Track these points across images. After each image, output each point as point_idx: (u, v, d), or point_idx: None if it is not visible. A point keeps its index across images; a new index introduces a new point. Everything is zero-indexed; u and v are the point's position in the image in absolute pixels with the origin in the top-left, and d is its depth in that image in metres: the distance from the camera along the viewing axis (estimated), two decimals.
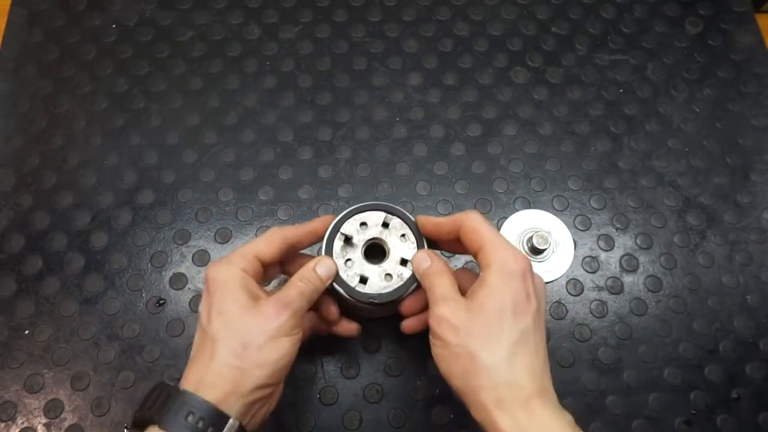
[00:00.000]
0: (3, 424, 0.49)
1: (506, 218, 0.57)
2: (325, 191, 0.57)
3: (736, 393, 0.52)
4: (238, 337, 0.37)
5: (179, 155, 0.58)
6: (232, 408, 0.36)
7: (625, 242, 0.57)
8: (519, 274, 0.38)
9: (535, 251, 0.54)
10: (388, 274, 0.44)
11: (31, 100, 0.60)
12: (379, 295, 0.43)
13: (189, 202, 0.57)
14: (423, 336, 0.53)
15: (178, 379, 0.38)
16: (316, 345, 0.52)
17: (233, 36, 0.64)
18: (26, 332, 0.52)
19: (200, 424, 0.35)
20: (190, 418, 0.35)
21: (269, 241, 0.42)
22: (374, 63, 0.63)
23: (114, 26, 0.64)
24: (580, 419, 0.51)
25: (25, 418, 0.49)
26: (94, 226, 0.55)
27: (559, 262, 0.55)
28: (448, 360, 0.37)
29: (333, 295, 0.45)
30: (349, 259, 0.44)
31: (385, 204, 0.45)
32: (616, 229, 0.57)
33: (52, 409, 0.49)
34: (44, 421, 0.49)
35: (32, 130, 0.59)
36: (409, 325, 0.45)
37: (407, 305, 0.44)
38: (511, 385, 0.35)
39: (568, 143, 0.60)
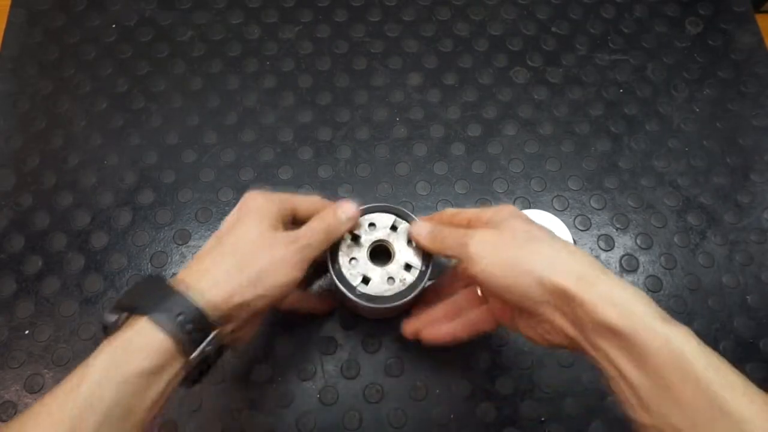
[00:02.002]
0: (3, 424, 0.49)
1: None
2: (325, 191, 0.57)
3: None
4: (246, 254, 0.38)
5: (179, 155, 0.58)
6: (220, 317, 0.36)
7: (625, 242, 0.57)
8: (515, 215, 0.40)
9: None
10: (391, 278, 0.44)
11: (31, 100, 0.60)
12: (380, 297, 0.43)
13: (189, 202, 0.57)
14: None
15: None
16: (316, 345, 0.52)
17: (233, 36, 0.64)
18: (26, 332, 0.52)
19: (188, 327, 0.34)
20: (181, 317, 0.34)
21: (310, 202, 0.43)
22: (374, 63, 0.63)
23: (114, 26, 0.64)
24: (580, 419, 0.51)
25: None
26: (94, 226, 0.55)
27: None
28: (507, 268, 0.37)
29: (334, 292, 0.45)
30: (354, 258, 0.44)
31: (397, 207, 0.45)
32: (616, 229, 0.57)
33: None
34: None
35: (32, 130, 0.59)
36: (410, 328, 0.45)
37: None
38: (581, 262, 0.36)
39: (568, 143, 0.60)
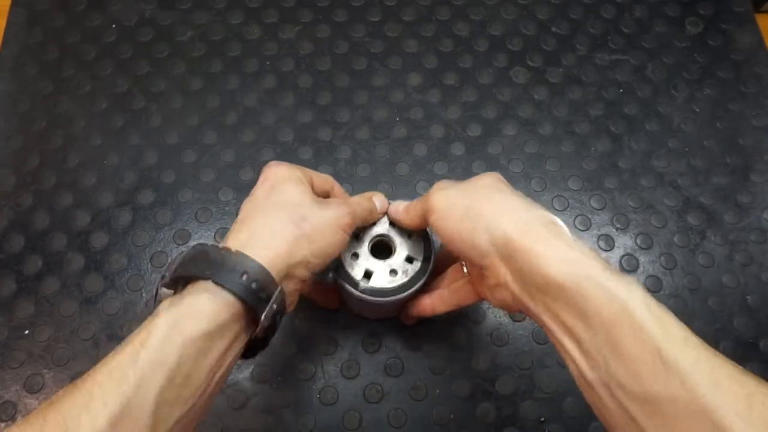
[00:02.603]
0: (3, 424, 0.49)
1: None
2: None
3: None
4: (300, 209, 0.37)
5: (179, 155, 0.58)
6: (280, 273, 0.35)
7: (625, 242, 0.57)
8: (487, 174, 0.40)
9: None
10: (393, 270, 0.44)
11: (31, 100, 0.60)
12: (383, 290, 0.43)
13: (189, 202, 0.57)
14: (423, 336, 0.53)
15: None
16: (316, 345, 0.52)
17: (233, 36, 0.64)
18: (26, 332, 0.52)
19: (254, 285, 0.33)
20: (245, 278, 0.33)
21: (323, 179, 0.43)
22: (374, 63, 0.63)
23: (114, 26, 0.64)
24: (580, 419, 0.51)
25: None
26: (94, 226, 0.55)
27: None
28: (459, 218, 0.37)
29: (338, 289, 0.45)
30: (355, 254, 0.44)
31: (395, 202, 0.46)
32: (616, 229, 0.57)
33: None
34: None
35: (32, 130, 0.59)
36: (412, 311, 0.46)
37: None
38: (530, 212, 0.36)
39: (568, 143, 0.60)
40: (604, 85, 0.63)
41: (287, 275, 0.35)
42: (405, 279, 0.43)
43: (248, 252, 0.34)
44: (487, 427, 0.50)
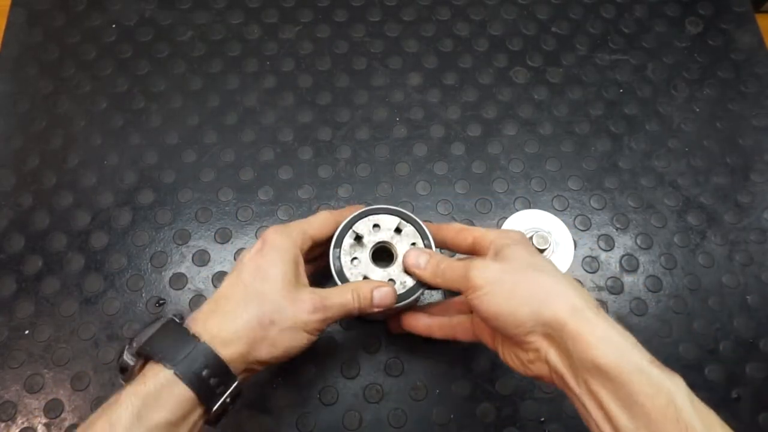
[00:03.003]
0: (3, 424, 0.49)
1: (506, 218, 0.57)
2: (325, 191, 0.57)
3: (736, 393, 0.52)
4: (271, 310, 0.38)
5: (179, 155, 0.58)
6: (237, 369, 0.37)
7: (625, 242, 0.57)
8: (521, 243, 0.40)
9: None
10: (391, 279, 0.44)
11: (31, 100, 0.60)
12: None
13: (189, 202, 0.57)
14: (423, 336, 0.53)
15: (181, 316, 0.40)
16: (316, 345, 0.52)
17: (233, 36, 0.64)
18: (26, 332, 0.52)
19: (212, 381, 0.35)
20: (205, 372, 0.35)
21: (323, 224, 0.43)
22: (374, 63, 0.63)
23: (114, 26, 0.64)
24: (580, 419, 0.51)
25: (25, 418, 0.49)
26: (94, 226, 0.55)
27: (559, 262, 0.55)
28: (506, 297, 0.37)
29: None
30: (356, 258, 0.44)
31: (402, 210, 0.45)
32: (616, 229, 0.57)
33: (52, 409, 0.49)
34: (44, 421, 0.49)
35: (32, 130, 0.59)
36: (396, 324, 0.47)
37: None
38: (577, 298, 0.36)
39: (569, 143, 0.60)
40: (604, 85, 0.63)
41: (247, 369, 0.38)
42: (402, 290, 0.43)
43: (214, 344, 0.36)
44: (487, 427, 0.50)
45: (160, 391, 0.34)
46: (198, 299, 0.53)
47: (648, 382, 0.32)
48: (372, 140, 0.60)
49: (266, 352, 0.38)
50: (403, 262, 0.44)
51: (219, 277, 0.54)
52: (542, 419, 0.50)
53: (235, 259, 0.55)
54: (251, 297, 0.38)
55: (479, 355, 0.52)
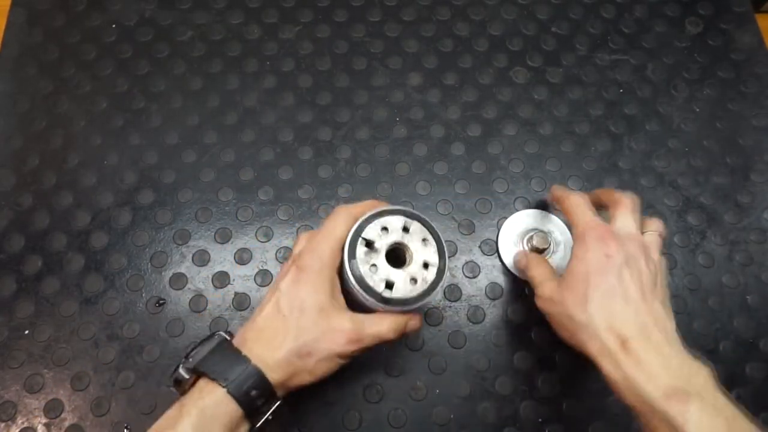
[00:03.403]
0: (3, 424, 0.49)
1: (506, 218, 0.57)
2: (325, 191, 0.57)
3: (736, 393, 0.52)
4: (308, 342, 0.40)
5: (179, 155, 0.58)
6: (279, 390, 0.40)
7: None
8: (596, 239, 0.43)
9: (536, 251, 0.54)
10: (413, 279, 0.43)
11: (31, 100, 0.60)
12: (407, 299, 0.42)
13: (189, 202, 0.57)
14: (423, 336, 0.53)
15: (230, 333, 0.42)
16: None
17: (233, 36, 0.64)
18: (26, 332, 0.52)
19: (259, 402, 0.39)
20: (254, 393, 0.38)
21: (346, 225, 0.43)
22: (374, 63, 0.63)
23: (114, 26, 0.64)
24: (579, 420, 0.51)
25: (25, 418, 0.49)
26: (94, 226, 0.55)
27: (559, 261, 0.55)
28: (559, 327, 0.43)
29: (358, 304, 0.44)
30: (373, 265, 0.43)
31: (404, 209, 0.44)
32: None
33: (52, 409, 0.49)
34: (44, 421, 0.49)
35: (32, 130, 0.59)
36: None
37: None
38: (607, 333, 0.40)
39: (568, 143, 0.60)
40: (604, 85, 0.63)
41: (287, 390, 0.41)
42: (425, 286, 0.43)
43: (261, 364, 0.39)
44: (487, 427, 0.50)
45: (216, 407, 0.38)
46: (198, 299, 0.53)
47: (663, 418, 0.36)
48: (372, 140, 0.60)
49: (304, 378, 0.40)
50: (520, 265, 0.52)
51: (219, 277, 0.54)
52: (542, 420, 0.50)
53: (235, 259, 0.55)
54: (290, 330, 0.40)
55: (479, 355, 0.52)
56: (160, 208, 0.56)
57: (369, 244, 0.43)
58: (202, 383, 0.39)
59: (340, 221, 0.43)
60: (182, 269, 0.54)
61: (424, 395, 0.51)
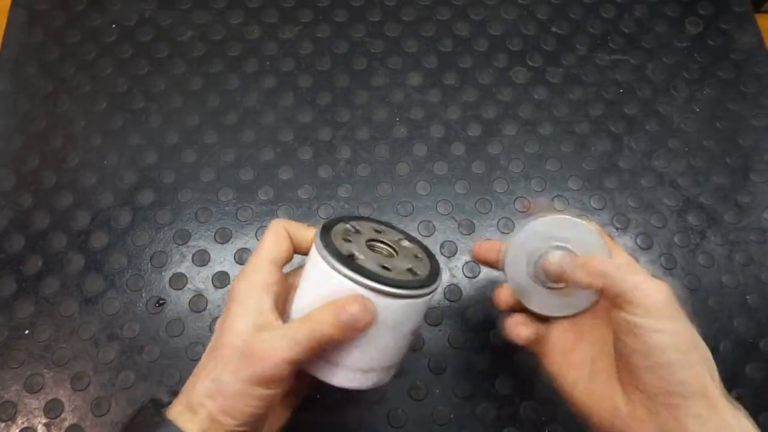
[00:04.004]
0: (3, 424, 0.49)
1: (508, 217, 0.57)
2: (325, 191, 0.57)
3: (736, 393, 0.52)
4: (214, 376, 0.34)
5: (179, 155, 0.58)
6: None
7: (625, 242, 0.57)
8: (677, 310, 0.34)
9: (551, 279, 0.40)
10: (409, 269, 0.37)
11: (31, 100, 0.60)
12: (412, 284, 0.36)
13: (189, 202, 0.57)
14: (423, 336, 0.53)
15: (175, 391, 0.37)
16: None
17: (233, 36, 0.64)
18: (26, 332, 0.52)
19: None
20: None
21: (278, 240, 0.38)
22: (374, 63, 0.63)
23: (114, 26, 0.64)
24: (580, 420, 0.51)
25: (25, 418, 0.49)
26: (94, 226, 0.55)
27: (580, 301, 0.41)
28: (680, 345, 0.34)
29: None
30: (351, 255, 0.36)
31: (350, 215, 0.41)
32: (616, 229, 0.57)
33: (52, 409, 0.49)
34: (44, 421, 0.49)
35: (32, 130, 0.59)
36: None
37: None
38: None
39: (568, 143, 0.60)
40: (604, 85, 0.63)
41: None
42: (425, 274, 0.38)
43: (183, 421, 0.33)
44: (487, 427, 0.50)
45: None
46: (198, 299, 0.53)
47: None
48: (372, 140, 0.60)
49: (228, 423, 0.33)
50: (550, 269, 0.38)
51: (219, 277, 0.54)
52: (542, 419, 0.50)
53: (235, 259, 0.55)
54: (207, 363, 0.35)
55: (479, 355, 0.52)
56: (160, 208, 0.56)
57: (351, 257, 0.36)
58: None
59: (269, 233, 0.38)
60: (182, 269, 0.54)
61: (424, 395, 0.51)
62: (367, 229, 0.40)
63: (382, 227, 0.42)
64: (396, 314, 0.35)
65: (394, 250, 0.39)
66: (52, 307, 0.52)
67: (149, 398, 0.36)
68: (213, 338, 0.36)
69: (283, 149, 0.59)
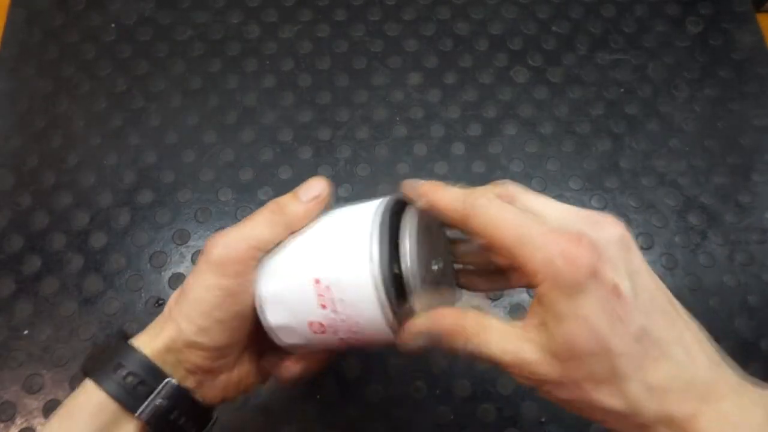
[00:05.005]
0: (2, 425, 0.49)
1: None
2: None
3: None
4: (183, 284, 0.33)
5: (179, 155, 0.58)
6: (168, 365, 0.32)
7: None
8: (586, 278, 0.26)
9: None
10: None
11: (31, 100, 0.60)
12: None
13: (188, 202, 0.57)
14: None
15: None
16: None
17: (233, 35, 0.64)
18: (25, 332, 0.52)
19: (129, 379, 0.31)
20: (120, 371, 0.31)
21: (272, 224, 0.35)
22: (374, 62, 0.63)
23: (113, 26, 0.64)
24: (580, 420, 0.51)
25: (24, 419, 0.49)
26: (93, 226, 0.55)
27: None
28: (573, 410, 0.30)
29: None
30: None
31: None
32: None
33: (52, 410, 0.49)
34: (43, 421, 0.49)
35: (32, 130, 0.59)
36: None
37: None
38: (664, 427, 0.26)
39: (569, 143, 0.60)
40: (604, 84, 0.63)
41: (184, 364, 0.32)
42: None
43: (139, 344, 0.32)
44: (487, 428, 0.50)
45: (81, 400, 0.31)
46: None
47: None
48: (372, 140, 0.60)
49: (188, 330, 0.32)
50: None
51: None
52: (543, 420, 0.50)
53: None
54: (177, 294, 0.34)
55: None
56: (160, 208, 0.56)
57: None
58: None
59: (264, 217, 0.35)
60: (182, 269, 0.54)
61: (424, 395, 0.51)
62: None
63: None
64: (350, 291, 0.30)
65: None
66: (52, 307, 0.52)
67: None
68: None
69: (282, 149, 0.59)
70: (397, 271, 0.29)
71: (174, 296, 0.34)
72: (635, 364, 0.26)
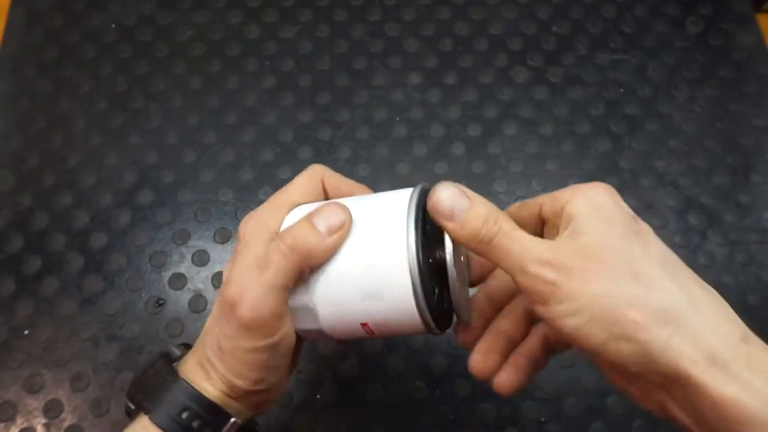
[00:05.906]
0: (2, 425, 0.49)
1: None
2: None
3: None
4: (219, 331, 0.31)
5: (179, 155, 0.58)
6: (231, 408, 0.32)
7: None
8: (612, 203, 0.29)
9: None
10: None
11: (31, 100, 0.60)
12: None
13: (188, 202, 0.57)
14: (422, 335, 0.53)
15: (186, 345, 0.35)
16: (318, 348, 0.52)
17: (233, 35, 0.64)
18: (25, 332, 0.52)
19: (195, 424, 0.30)
20: (185, 414, 0.30)
21: (310, 182, 0.35)
22: (374, 62, 0.63)
23: (113, 26, 0.64)
24: (580, 420, 0.51)
25: (24, 419, 0.49)
26: (93, 226, 0.55)
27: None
28: (592, 325, 0.26)
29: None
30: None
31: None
32: None
33: (52, 410, 0.49)
34: (44, 421, 0.49)
35: (32, 130, 0.59)
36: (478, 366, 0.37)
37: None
38: (716, 332, 0.25)
39: (569, 143, 0.60)
40: (604, 84, 0.63)
41: (248, 394, 0.32)
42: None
43: (195, 378, 0.31)
44: (487, 428, 0.50)
45: None
46: (197, 299, 0.53)
47: None
48: (372, 140, 0.60)
49: (240, 381, 0.31)
50: (432, 204, 0.31)
51: (218, 277, 0.54)
52: (542, 420, 0.50)
53: None
54: (215, 316, 0.32)
55: None
56: (160, 208, 0.56)
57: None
58: (137, 416, 0.32)
59: (302, 176, 0.35)
60: (182, 269, 0.54)
61: (424, 395, 0.51)
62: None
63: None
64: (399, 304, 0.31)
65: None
66: (52, 307, 0.52)
67: (159, 352, 0.35)
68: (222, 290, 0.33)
69: (282, 149, 0.59)
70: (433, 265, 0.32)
71: (210, 346, 0.32)
72: (654, 270, 0.27)
